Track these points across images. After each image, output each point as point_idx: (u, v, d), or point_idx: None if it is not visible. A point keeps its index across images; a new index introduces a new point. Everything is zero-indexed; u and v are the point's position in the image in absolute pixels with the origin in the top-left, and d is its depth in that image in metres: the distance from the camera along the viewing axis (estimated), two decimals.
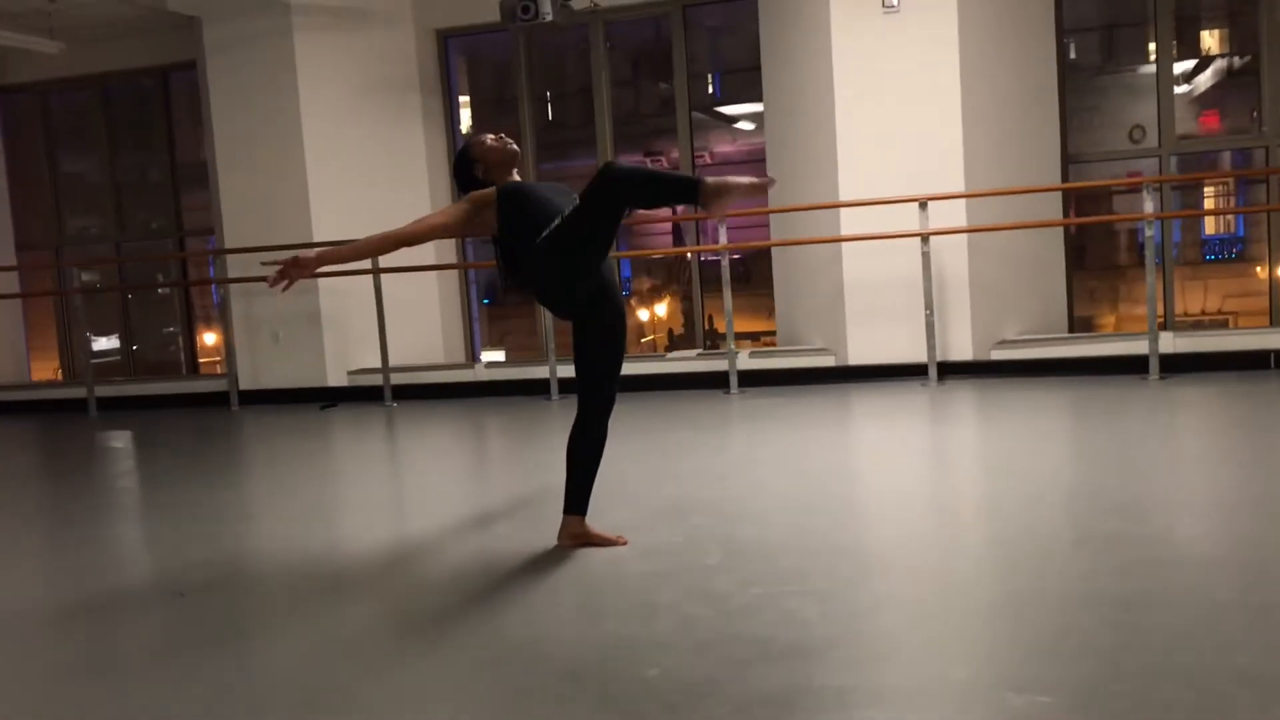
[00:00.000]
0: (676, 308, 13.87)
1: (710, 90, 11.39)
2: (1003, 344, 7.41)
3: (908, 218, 7.08)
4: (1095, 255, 11.33)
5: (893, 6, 7.23)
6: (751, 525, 3.98)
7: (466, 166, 3.95)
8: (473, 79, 10.17)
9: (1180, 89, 10.40)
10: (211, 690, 2.72)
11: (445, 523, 4.39)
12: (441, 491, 5.20)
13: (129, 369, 10.16)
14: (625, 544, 3.80)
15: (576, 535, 3.83)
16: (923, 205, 6.99)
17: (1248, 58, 10.60)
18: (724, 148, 11.71)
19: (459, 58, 9.45)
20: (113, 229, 10.03)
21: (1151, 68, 7.99)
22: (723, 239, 7.44)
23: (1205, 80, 10.20)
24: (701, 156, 9.92)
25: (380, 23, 8.66)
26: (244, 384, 8.55)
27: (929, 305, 7.11)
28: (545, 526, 3.97)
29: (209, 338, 10.91)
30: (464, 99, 9.64)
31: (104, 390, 8.83)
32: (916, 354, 7.25)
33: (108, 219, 10.06)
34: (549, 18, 7.23)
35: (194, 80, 8.91)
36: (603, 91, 8.79)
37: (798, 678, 2.54)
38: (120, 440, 7.64)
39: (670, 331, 13.83)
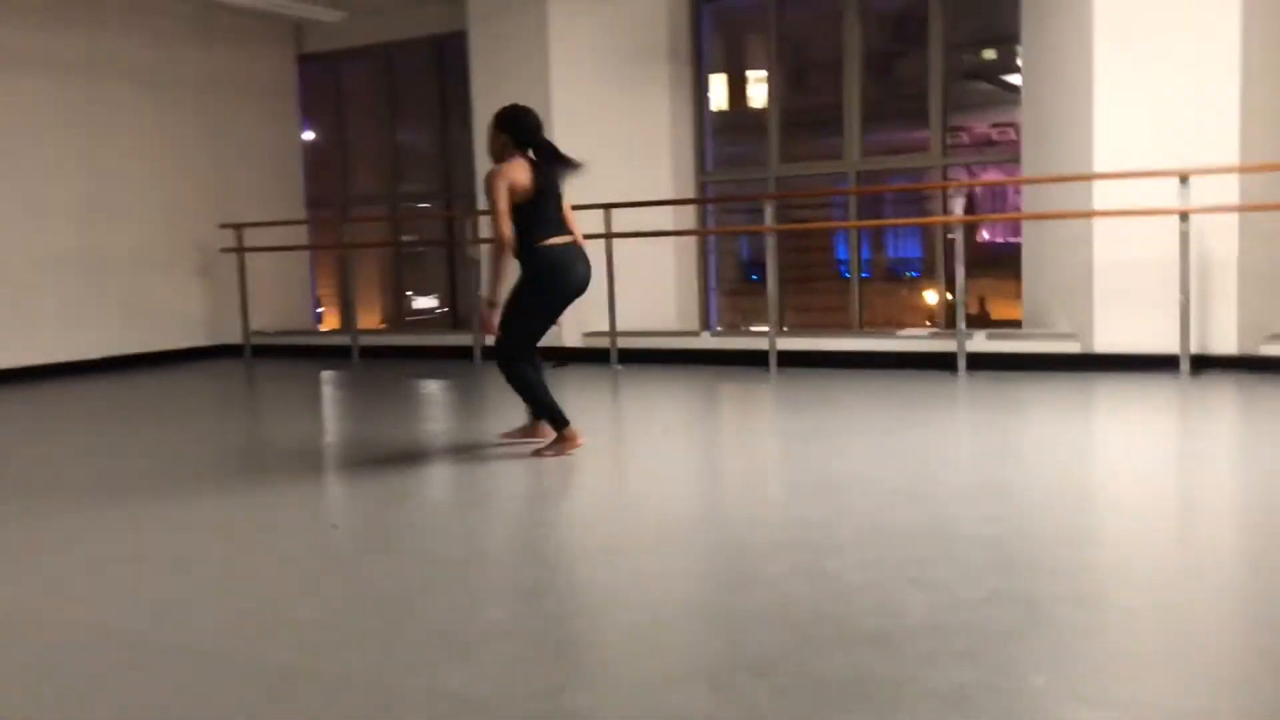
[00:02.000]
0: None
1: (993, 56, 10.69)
2: (1276, 338, 6.60)
3: (1170, 192, 6.42)
4: None
5: None
6: (906, 509, 3.75)
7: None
8: (728, 49, 10.11)
9: None
10: None
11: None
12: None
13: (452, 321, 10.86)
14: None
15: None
16: (1183, 179, 6.31)
17: None
18: (981, 128, 11.01)
19: (713, 28, 9.41)
20: (388, 191, 10.76)
21: None
22: (957, 210, 7.03)
23: None
24: (959, 136, 9.27)
25: None
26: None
27: (1184, 290, 6.42)
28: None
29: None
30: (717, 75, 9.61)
31: (367, 340, 9.51)
32: (1173, 344, 6.58)
33: (384, 182, 10.80)
34: None
35: (464, 51, 9.36)
36: (854, 63, 8.51)
37: (864, 665, 2.37)
38: (371, 382, 8.21)
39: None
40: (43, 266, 8.78)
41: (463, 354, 9.02)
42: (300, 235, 10.72)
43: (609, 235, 8.05)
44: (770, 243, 7.81)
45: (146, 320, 9.58)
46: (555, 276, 4.79)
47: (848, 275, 9.01)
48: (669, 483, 4.48)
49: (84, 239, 9.08)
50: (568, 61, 8.63)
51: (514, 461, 4.79)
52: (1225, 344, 6.58)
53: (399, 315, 11.01)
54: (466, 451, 5.11)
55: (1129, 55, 6.66)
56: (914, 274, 14.93)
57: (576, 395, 7.15)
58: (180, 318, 9.88)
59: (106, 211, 9.24)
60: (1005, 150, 8.54)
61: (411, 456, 5.08)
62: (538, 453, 4.86)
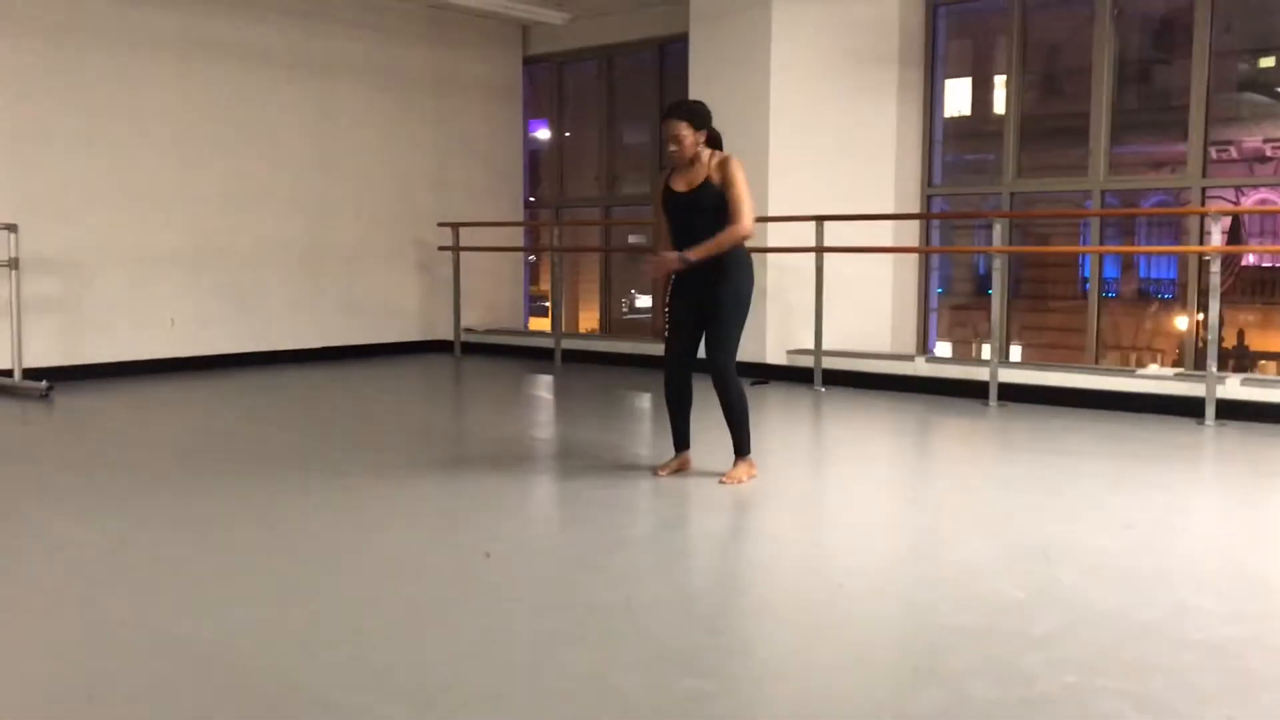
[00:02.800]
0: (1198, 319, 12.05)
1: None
2: None
3: None
4: None
5: None
6: (1124, 594, 3.21)
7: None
8: (961, 54, 9.47)
9: None
10: None
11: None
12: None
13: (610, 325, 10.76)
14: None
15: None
16: None
17: None
18: (1253, 142, 9.92)
19: (949, 31, 8.81)
20: (604, 193, 10.65)
21: None
22: (1216, 237, 6.24)
23: None
24: (1226, 150, 8.33)
25: None
26: None
27: None
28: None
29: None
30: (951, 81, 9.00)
31: (570, 344, 9.42)
32: None
33: (601, 184, 10.70)
34: None
35: (685, 53, 9.12)
36: (1104, 70, 7.74)
37: None
38: (545, 388, 8.10)
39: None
40: (270, 257, 9.12)
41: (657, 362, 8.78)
42: (518, 235, 10.78)
43: (819, 249, 7.63)
44: (998, 264, 7.20)
45: (364, 312, 9.82)
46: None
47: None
48: (854, 533, 4.05)
49: (310, 231, 9.39)
50: (789, 64, 8.24)
51: (703, 488, 4.50)
52: None
53: (608, 319, 10.89)
54: (649, 475, 4.83)
55: None
56: (1165, 296, 13.71)
57: (772, 417, 6.79)
58: (396, 312, 10.09)
59: (334, 205, 9.53)
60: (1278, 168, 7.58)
61: (600, 471, 4.85)
62: (729, 479, 4.65)
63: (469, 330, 10.12)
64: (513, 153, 10.90)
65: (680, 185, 4.58)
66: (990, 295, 7.29)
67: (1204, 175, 7.50)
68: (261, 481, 4.74)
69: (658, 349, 9.06)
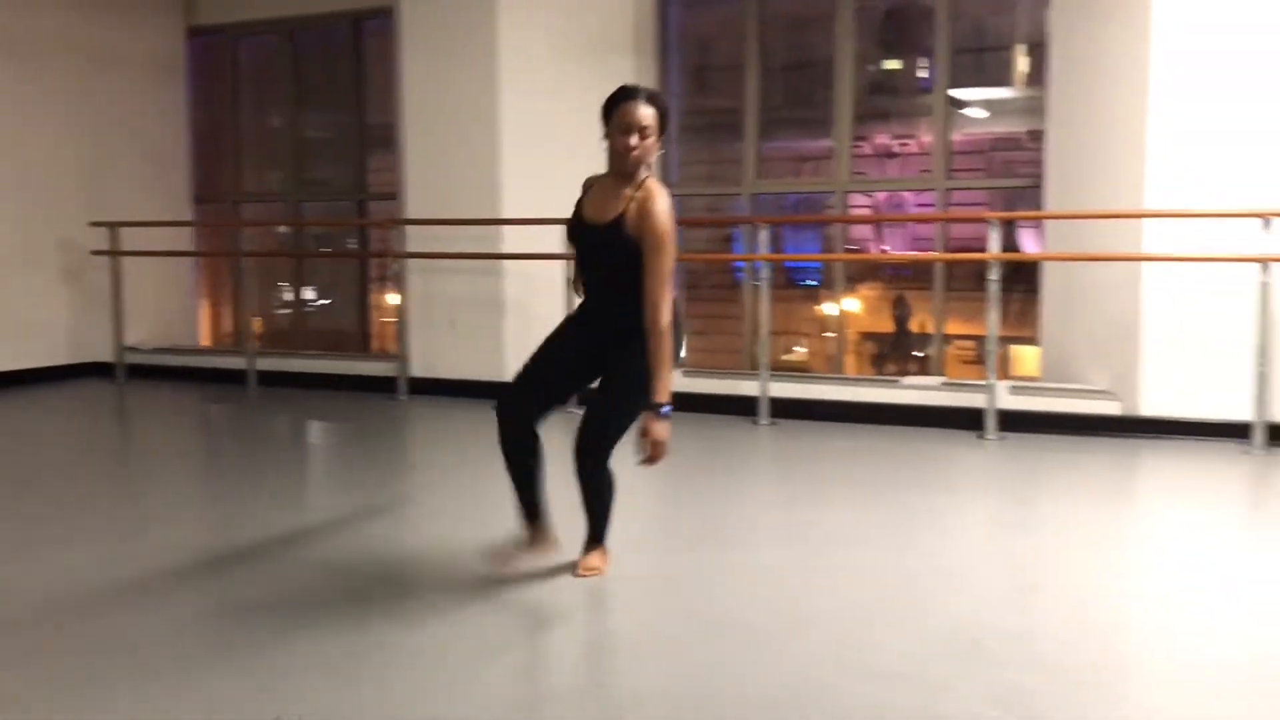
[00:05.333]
0: (878, 307, 12.39)
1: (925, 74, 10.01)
2: None
3: (1234, 236, 5.54)
4: None
5: None
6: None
7: (604, 122, 3.37)
8: (689, 43, 8.98)
9: None
10: None
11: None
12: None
13: (304, 336, 9.37)
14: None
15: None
16: (1266, 222, 5.43)
17: None
18: (883, 138, 10.32)
19: (679, 18, 8.26)
20: (292, 187, 9.29)
21: None
22: (994, 247, 6.04)
23: None
24: (907, 145, 8.58)
25: None
26: (415, 370, 7.64)
27: (1262, 352, 5.54)
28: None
29: (394, 298, 9.87)
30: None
31: (267, 364, 8.07)
32: (1230, 410, 5.70)
33: (288, 175, 9.33)
34: None
35: (388, 29, 8.00)
36: (846, 63, 7.48)
37: None
38: (279, 426, 6.86)
39: (875, 334, 12.37)
40: None
41: (381, 386, 7.69)
42: (185, 236, 9.17)
43: (570, 257, 6.82)
44: (764, 273, 6.73)
45: None
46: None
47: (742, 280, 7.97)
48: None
49: None
50: (519, 48, 7.38)
51: (567, 587, 3.57)
52: None
53: (302, 332, 9.50)
54: (465, 569, 3.85)
55: (1189, 83, 5.77)
56: (813, 283, 14.13)
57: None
58: (38, 330, 8.28)
59: None
60: (910, 164, 7.82)
61: (409, 574, 3.80)
62: (586, 570, 3.60)
63: (133, 349, 8.49)
64: (175, 140, 9.26)
65: (592, 212, 3.37)
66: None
67: (849, 178, 7.46)
68: None
69: (379, 367, 8.03)
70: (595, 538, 3.67)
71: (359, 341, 9.19)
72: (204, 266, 9.60)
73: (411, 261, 7.57)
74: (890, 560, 3.83)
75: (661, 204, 3.26)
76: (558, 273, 6.89)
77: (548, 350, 3.56)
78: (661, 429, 3.24)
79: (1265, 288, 5.48)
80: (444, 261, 7.42)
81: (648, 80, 7.89)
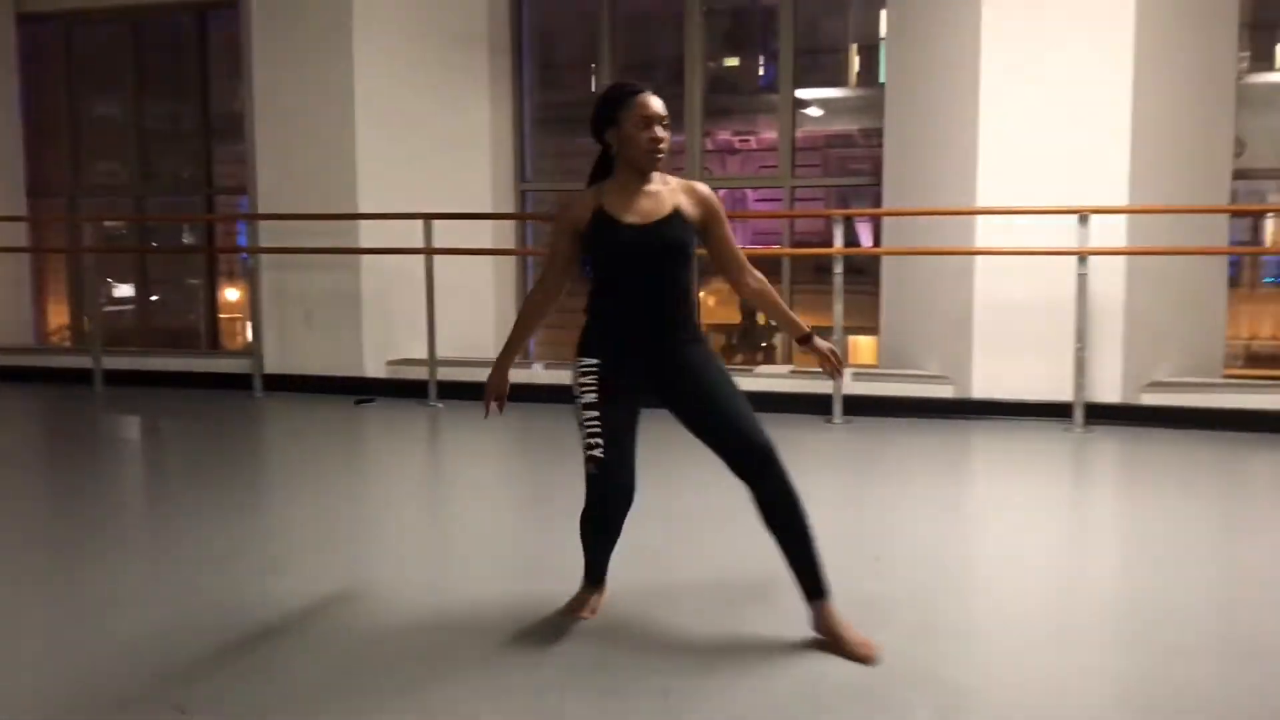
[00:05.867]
0: (727, 300, 12.77)
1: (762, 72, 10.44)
2: (1155, 386, 6.32)
3: (1055, 231, 6.00)
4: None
5: None
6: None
7: (605, 122, 3.06)
8: (543, 38, 9.09)
9: None
10: None
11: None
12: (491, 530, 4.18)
13: (143, 333, 9.10)
14: (868, 657, 2.86)
15: (823, 630, 2.97)
16: (1083, 219, 5.89)
17: None
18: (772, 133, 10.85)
19: (534, 14, 8.36)
20: (135, 181, 9.01)
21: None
22: (838, 242, 6.37)
23: None
24: (747, 141, 8.95)
25: None
26: (270, 367, 7.54)
27: (1080, 337, 6.02)
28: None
29: (232, 294, 9.70)
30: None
31: (114, 363, 7.83)
32: (1053, 391, 6.17)
33: (130, 169, 9.04)
34: None
35: (234, 20, 7.85)
36: (695, 63, 7.74)
37: None
38: (127, 429, 6.70)
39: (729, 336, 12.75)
40: None
41: (235, 383, 7.56)
42: (19, 232, 8.79)
43: (429, 251, 6.90)
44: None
45: None
46: None
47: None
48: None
49: None
50: (375, 40, 7.34)
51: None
52: (1110, 392, 6.23)
53: (145, 326, 9.21)
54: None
55: (1017, 87, 6.20)
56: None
57: (383, 441, 6.04)
58: None
59: None
60: (751, 160, 8.24)
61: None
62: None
63: None
64: (6, 132, 8.85)
65: (632, 216, 3.00)
66: None
67: (701, 165, 7.84)
68: None
69: (221, 364, 7.86)
70: (819, 592, 3.00)
71: (207, 339, 9.00)
72: (39, 263, 9.21)
73: (265, 256, 7.47)
74: (746, 536, 4.06)
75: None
76: (417, 265, 6.93)
77: (609, 419, 3.07)
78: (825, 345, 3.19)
79: (1082, 278, 5.94)
80: (299, 256, 7.35)
81: (502, 75, 7.99)
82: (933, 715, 2.54)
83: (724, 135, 13.47)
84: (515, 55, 8.09)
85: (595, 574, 3.27)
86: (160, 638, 3.07)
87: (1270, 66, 7.21)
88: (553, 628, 3.13)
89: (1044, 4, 6.14)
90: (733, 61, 12.35)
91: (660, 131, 2.98)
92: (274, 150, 7.50)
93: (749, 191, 11.16)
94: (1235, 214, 6.82)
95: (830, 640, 2.93)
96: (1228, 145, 6.69)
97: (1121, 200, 6.05)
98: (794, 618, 3.03)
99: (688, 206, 3.06)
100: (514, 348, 3.24)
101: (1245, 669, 2.85)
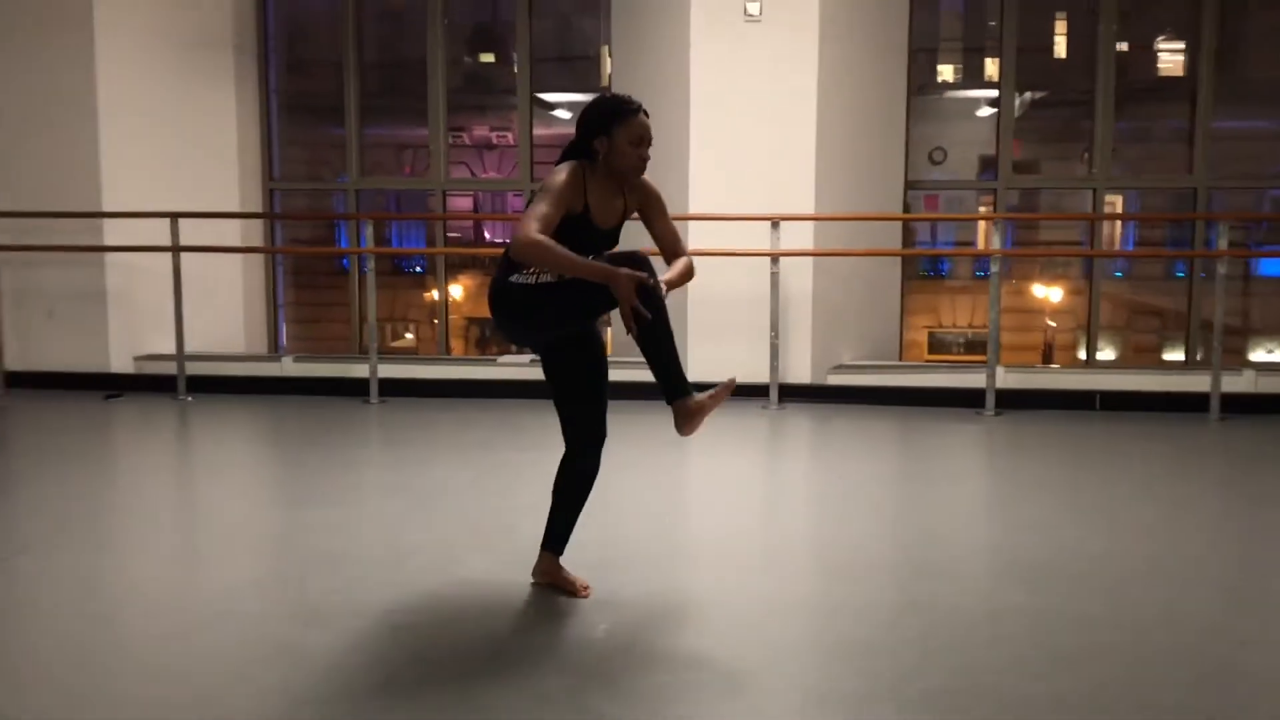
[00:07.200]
0: (480, 287, 13.42)
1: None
2: (840, 369, 7.34)
3: (755, 235, 6.89)
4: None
5: (754, 17, 7.00)
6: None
7: (598, 128, 3.27)
8: (289, 39, 9.35)
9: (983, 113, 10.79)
10: None
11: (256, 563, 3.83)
12: (247, 515, 4.62)
13: None
14: (587, 595, 3.47)
15: (546, 573, 3.55)
16: (775, 224, 6.81)
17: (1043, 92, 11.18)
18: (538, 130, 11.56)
19: (277, 15, 8.63)
20: None
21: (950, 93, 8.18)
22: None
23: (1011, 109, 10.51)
24: (504, 137, 9.63)
25: None
26: (12, 364, 7.53)
27: (774, 327, 6.94)
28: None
29: None
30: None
31: None
32: (756, 374, 7.08)
33: None
34: None
35: None
36: (438, 64, 8.22)
37: None
38: None
39: (480, 320, 13.34)
40: None
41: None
42: None
43: (176, 249, 7.12)
44: (370, 265, 7.35)
45: None
46: None
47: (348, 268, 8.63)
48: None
49: None
50: (117, 36, 7.44)
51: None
52: (800, 374, 7.21)
53: None
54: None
55: (720, 110, 7.05)
56: (419, 270, 14.96)
57: (133, 435, 6.29)
58: None
59: None
60: (508, 155, 8.86)
61: None
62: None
63: None
64: None
65: (600, 217, 3.32)
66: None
67: (445, 175, 8.32)
68: None
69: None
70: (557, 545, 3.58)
71: None
72: None
73: (4, 255, 7.45)
74: (481, 503, 4.66)
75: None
76: (164, 263, 7.13)
77: (579, 376, 3.47)
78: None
79: (775, 276, 6.87)
80: (41, 254, 7.39)
81: (248, 76, 8.23)
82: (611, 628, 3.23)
83: (481, 130, 13.98)
84: (261, 57, 8.34)
85: (560, 538, 3.58)
86: None
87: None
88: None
89: (744, 38, 7.01)
90: (489, 58, 12.85)
91: (646, 152, 3.32)
92: (12, 149, 7.47)
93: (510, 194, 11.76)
94: (899, 220, 7.88)
95: (554, 582, 3.54)
96: (899, 161, 7.79)
97: (809, 209, 7.01)
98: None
99: (631, 206, 3.43)
100: (573, 256, 3.08)
101: (910, 587, 3.67)
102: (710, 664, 2.99)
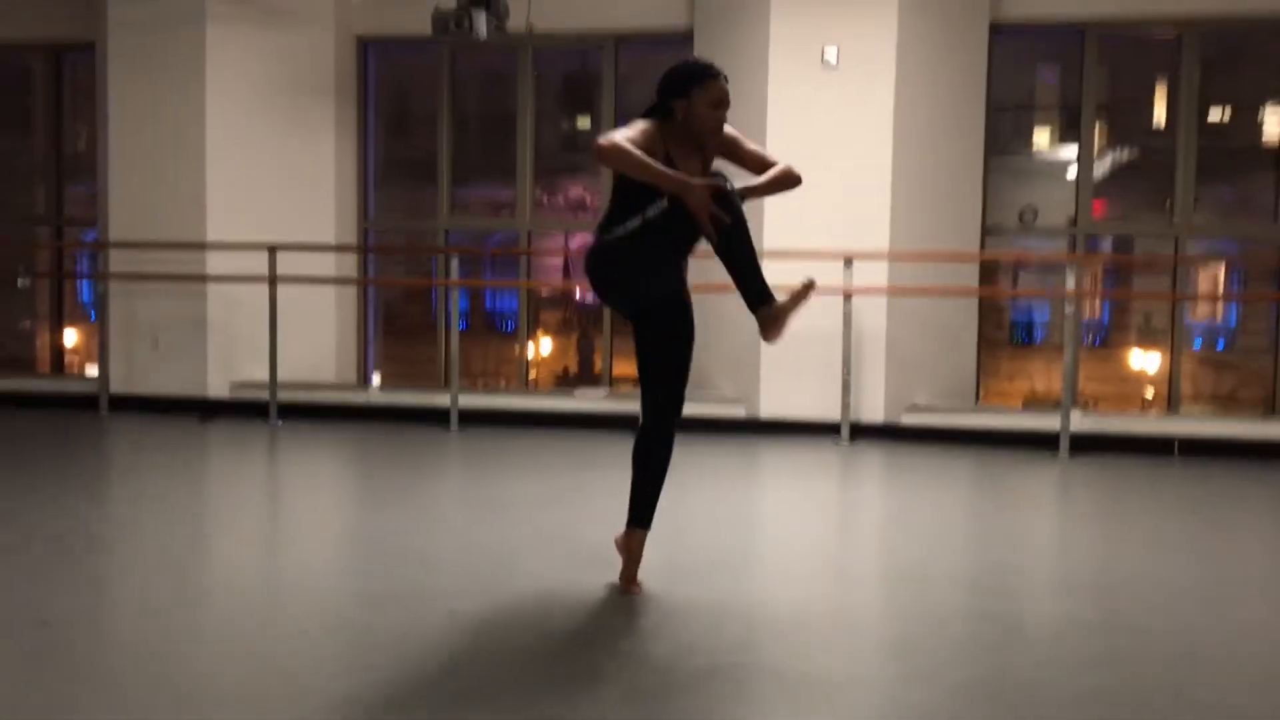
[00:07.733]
0: (568, 344, 13.75)
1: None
2: (914, 409, 7.35)
3: (828, 272, 6.98)
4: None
5: (831, 64, 7.17)
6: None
7: (678, 91, 3.41)
8: (386, 91, 9.79)
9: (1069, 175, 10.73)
10: None
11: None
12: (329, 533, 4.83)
13: None
14: (637, 592, 3.57)
15: (628, 548, 3.63)
16: (848, 262, 6.91)
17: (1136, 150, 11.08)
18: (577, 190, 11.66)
19: (378, 67, 9.06)
20: None
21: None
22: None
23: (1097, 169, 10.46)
24: (556, 198, 9.89)
25: (300, 22, 8.23)
26: (116, 387, 7.95)
27: (847, 364, 7.00)
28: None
29: (70, 335, 10.03)
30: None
31: None
32: (828, 412, 7.13)
33: None
34: (483, 36, 6.91)
35: (89, 64, 8.32)
36: (527, 119, 8.53)
37: None
38: None
39: (566, 370, 13.59)
40: None
41: (81, 404, 7.93)
42: None
43: (273, 279, 7.49)
44: (454, 296, 7.63)
45: None
46: None
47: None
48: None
49: None
50: (226, 85, 7.93)
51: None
52: (874, 413, 7.24)
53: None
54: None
55: (796, 152, 7.20)
56: (510, 327, 15.32)
57: (226, 455, 6.59)
58: None
59: None
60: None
61: None
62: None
63: None
64: None
65: (680, 169, 3.35)
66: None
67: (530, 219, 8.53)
68: None
69: (80, 386, 8.15)
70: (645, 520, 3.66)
71: (53, 363, 9.31)
72: None
73: (115, 284, 7.91)
74: (547, 512, 4.81)
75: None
76: (261, 295, 7.50)
77: (660, 354, 3.66)
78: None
79: (848, 315, 6.95)
80: (148, 282, 7.82)
81: (348, 125, 8.64)
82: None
83: (576, 191, 14.30)
84: (360, 105, 8.75)
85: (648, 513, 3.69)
86: None
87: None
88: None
89: (821, 86, 7.18)
90: (585, 122, 13.18)
91: (723, 113, 3.44)
92: (127, 185, 7.96)
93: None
94: (975, 260, 7.85)
95: (625, 554, 3.63)
96: (977, 204, 7.82)
97: (883, 247, 7.10)
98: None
99: (710, 159, 3.56)
100: (650, 160, 3.22)
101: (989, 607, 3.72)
102: (776, 674, 3.03)
